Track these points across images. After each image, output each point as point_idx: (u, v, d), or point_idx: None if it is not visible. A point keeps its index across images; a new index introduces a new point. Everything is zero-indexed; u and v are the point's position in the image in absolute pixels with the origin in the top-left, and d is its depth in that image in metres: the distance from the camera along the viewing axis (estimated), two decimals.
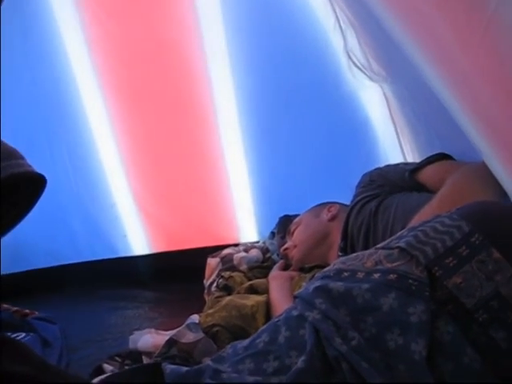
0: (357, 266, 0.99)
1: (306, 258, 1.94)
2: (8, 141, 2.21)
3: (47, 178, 2.44)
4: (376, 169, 1.87)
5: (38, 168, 2.50)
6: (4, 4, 1.35)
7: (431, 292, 0.89)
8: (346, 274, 0.98)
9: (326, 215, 2.00)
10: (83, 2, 2.22)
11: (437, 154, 1.67)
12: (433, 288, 0.89)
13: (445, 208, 1.13)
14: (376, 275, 0.94)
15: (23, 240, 2.50)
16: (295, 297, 1.06)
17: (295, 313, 0.99)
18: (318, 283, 0.99)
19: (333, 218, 1.96)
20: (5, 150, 1.05)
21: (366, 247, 1.64)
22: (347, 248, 1.76)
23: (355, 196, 1.81)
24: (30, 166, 1.11)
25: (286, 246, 2.06)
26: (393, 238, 1.04)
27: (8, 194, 1.07)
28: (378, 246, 1.04)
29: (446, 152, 1.68)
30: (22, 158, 1.10)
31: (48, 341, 1.91)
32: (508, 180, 1.08)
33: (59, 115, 2.45)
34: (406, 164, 1.87)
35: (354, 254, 1.05)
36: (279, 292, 1.76)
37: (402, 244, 0.97)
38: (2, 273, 2.43)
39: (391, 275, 0.92)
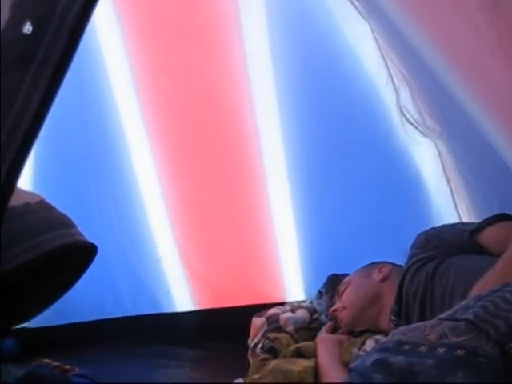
0: (419, 338, 0.91)
1: (356, 321, 1.87)
2: (57, 194, 2.26)
3: (93, 231, 2.46)
4: (432, 229, 1.79)
5: (84, 220, 2.52)
6: None
7: (505, 371, 0.80)
8: (406, 346, 0.91)
9: (377, 276, 1.93)
10: (134, 55, 2.25)
11: (498, 215, 1.59)
12: (506, 367, 0.81)
13: (510, 273, 1.05)
14: (441, 350, 0.86)
15: (68, 295, 2.51)
16: (350, 370, 0.98)
17: None
18: (376, 356, 0.91)
19: (384, 279, 1.89)
20: (57, 217, 1.05)
21: (422, 313, 1.57)
22: (401, 313, 1.68)
23: (410, 257, 1.74)
24: (81, 234, 1.11)
25: (334, 307, 1.99)
26: (458, 307, 0.96)
27: (57, 262, 1.06)
28: (442, 316, 0.96)
29: (507, 212, 1.60)
30: (73, 226, 1.10)
31: None
32: None
33: (107, 169, 2.47)
34: (464, 224, 1.79)
35: (415, 325, 0.98)
36: (328, 358, 1.69)
37: (469, 316, 0.89)
38: (44, 325, 2.44)
39: (459, 351, 0.84)
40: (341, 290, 2.00)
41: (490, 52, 1.25)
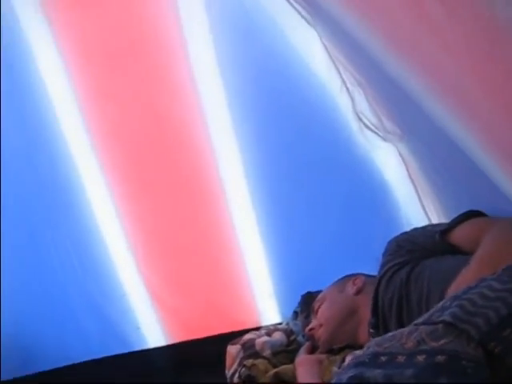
0: (395, 347, 0.83)
1: (334, 338, 1.81)
2: (11, 235, 2.18)
3: (53, 274, 2.37)
4: (402, 233, 1.74)
5: (43, 264, 2.44)
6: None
7: (491, 373, 0.73)
8: (383, 358, 0.83)
9: (351, 289, 1.87)
10: (77, 82, 2.17)
11: (468, 212, 1.55)
12: (492, 368, 0.73)
13: (485, 270, 0.99)
14: (420, 358, 0.78)
15: (31, 342, 2.49)
16: None
17: None
18: (351, 372, 0.83)
19: (358, 292, 1.83)
20: None
21: (399, 321, 1.51)
22: (379, 323, 1.61)
23: (382, 265, 1.68)
24: None
25: (311, 325, 1.92)
26: (434, 310, 0.89)
27: None
28: (418, 321, 0.88)
29: (477, 209, 1.55)
30: None
31: None
32: None
33: (61, 207, 2.38)
34: (435, 226, 1.75)
35: (390, 334, 0.90)
36: (308, 379, 1.61)
37: (446, 317, 0.81)
38: (9, 378, 2.38)
39: (439, 357, 0.76)
40: (315, 308, 1.94)
41: (444, 45, 1.21)
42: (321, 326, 1.85)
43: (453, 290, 1.17)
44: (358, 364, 0.85)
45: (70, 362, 2.50)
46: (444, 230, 1.56)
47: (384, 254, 1.73)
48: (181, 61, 2.12)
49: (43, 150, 2.28)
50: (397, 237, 1.74)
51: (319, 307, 1.91)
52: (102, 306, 2.49)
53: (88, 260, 2.45)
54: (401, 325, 1.45)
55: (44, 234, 2.40)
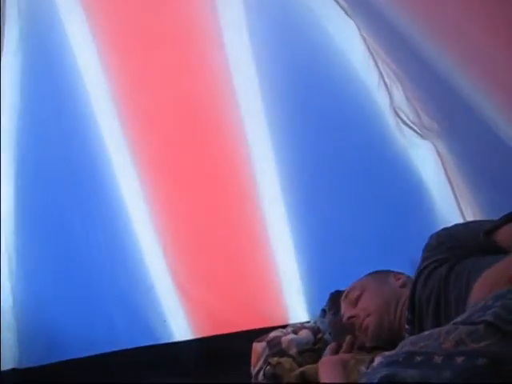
0: (432, 347, 0.78)
1: (383, 327, 1.71)
2: (43, 224, 2.20)
3: (83, 263, 2.39)
4: (443, 229, 1.68)
5: (73, 254, 2.46)
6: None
7: None
8: (418, 358, 0.78)
9: (395, 281, 1.81)
10: (112, 73, 2.19)
11: None
12: None
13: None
14: (459, 359, 0.73)
15: (60, 329, 2.49)
16: None
17: None
18: (384, 371, 0.78)
19: (404, 285, 1.76)
20: None
21: (436, 320, 1.45)
22: (415, 320, 1.55)
23: (422, 261, 1.62)
24: None
25: (350, 313, 1.82)
26: (474, 308, 0.84)
27: None
28: (457, 320, 0.83)
29: None
30: None
31: None
32: None
33: (92, 195, 2.40)
34: (478, 223, 1.69)
35: (427, 333, 0.85)
36: (329, 380, 1.56)
37: (488, 317, 0.76)
38: (36, 365, 2.42)
39: (480, 359, 0.71)
40: (353, 297, 1.85)
41: (493, 35, 1.16)
42: (368, 315, 1.76)
43: (484, 282, 1.12)
44: (390, 363, 0.80)
45: (97, 352, 2.50)
46: (489, 229, 1.49)
47: (424, 250, 1.66)
48: (216, 49, 2.11)
49: (77, 139, 2.31)
50: (437, 232, 1.67)
51: (359, 296, 1.82)
52: (130, 298, 2.49)
53: (118, 251, 2.46)
54: (437, 323, 1.40)
55: (75, 224, 2.41)
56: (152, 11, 2.07)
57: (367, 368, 1.56)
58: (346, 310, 1.85)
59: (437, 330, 0.84)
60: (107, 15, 2.08)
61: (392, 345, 1.56)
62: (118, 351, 2.51)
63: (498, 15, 1.09)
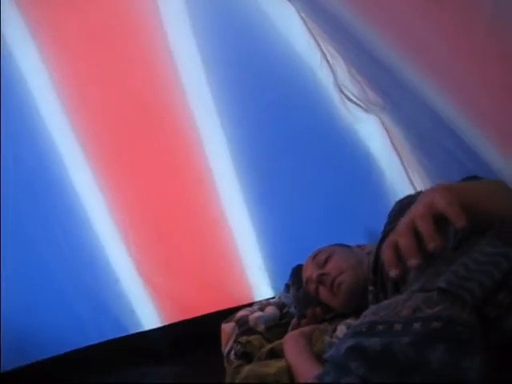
0: (391, 316, 0.85)
1: (358, 285, 1.68)
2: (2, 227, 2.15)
3: (44, 263, 2.36)
4: (407, 196, 1.73)
5: (33, 253, 2.42)
6: None
7: (487, 338, 0.74)
8: (380, 327, 0.84)
9: (361, 250, 1.84)
10: (53, 68, 2.16)
11: (469, 177, 1.54)
12: (488, 332, 0.75)
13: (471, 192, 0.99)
14: (416, 325, 0.79)
15: (28, 331, 2.48)
16: (325, 360, 0.91)
17: (328, 380, 0.84)
18: (350, 342, 0.84)
19: (369, 253, 1.79)
20: None
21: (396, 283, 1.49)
22: (377, 282, 1.60)
23: (385, 226, 1.66)
24: None
25: (322, 271, 1.78)
26: (428, 275, 0.90)
27: None
28: (413, 288, 0.90)
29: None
30: None
31: None
32: None
33: (48, 194, 2.38)
34: None
35: (386, 302, 0.91)
36: (295, 356, 1.61)
37: (441, 284, 0.83)
38: (6, 370, 2.40)
39: (435, 323, 0.77)
40: (322, 258, 1.83)
41: (418, 13, 1.22)
42: (341, 272, 1.74)
43: None
44: (355, 334, 0.86)
45: (67, 350, 2.52)
46: None
47: (387, 217, 1.71)
48: (159, 41, 2.11)
49: (27, 140, 2.27)
50: (401, 199, 1.70)
51: (329, 258, 1.81)
52: (96, 293, 2.50)
53: (78, 248, 2.45)
54: (397, 285, 1.45)
55: (33, 224, 2.39)
56: (95, 6, 2.05)
57: (330, 337, 1.62)
58: (313, 270, 1.82)
59: (394, 298, 0.90)
60: (47, 11, 2.05)
61: (356, 311, 1.64)
62: (88, 346, 2.53)
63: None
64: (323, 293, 1.80)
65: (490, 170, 1.33)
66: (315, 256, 1.87)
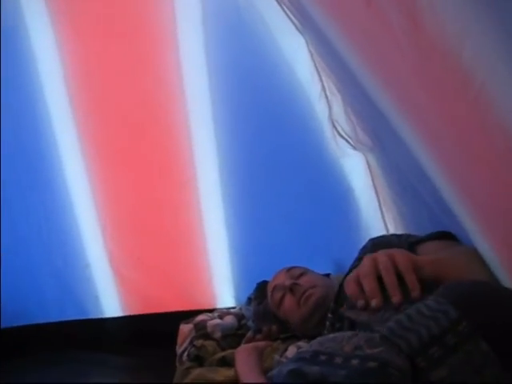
0: (335, 349, 0.92)
1: (326, 301, 1.71)
2: None
3: (20, 232, 2.40)
4: (380, 236, 1.81)
5: (11, 225, 2.44)
6: None
7: None
8: (322, 357, 0.92)
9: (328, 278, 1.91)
10: (66, 58, 2.23)
11: (442, 232, 1.62)
12: (416, 380, 0.83)
13: (439, 265, 1.09)
14: (355, 361, 0.87)
15: None
16: (268, 378, 0.99)
17: None
18: (292, 366, 0.92)
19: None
20: None
21: None
22: (336, 313, 1.64)
23: (355, 260, 1.74)
24: None
25: (295, 281, 1.84)
26: (375, 318, 0.98)
27: None
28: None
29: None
30: None
31: None
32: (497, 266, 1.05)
33: (36, 171, 2.43)
34: (410, 236, 1.82)
35: (332, 335, 0.99)
36: (245, 367, 1.65)
37: (384, 331, 0.91)
38: None
39: (371, 362, 0.86)
40: (296, 272, 1.89)
41: (413, 72, 1.29)
42: (313, 286, 1.79)
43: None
44: (299, 359, 0.94)
45: (26, 323, 2.56)
46: (415, 242, 1.63)
47: (359, 252, 1.78)
48: (170, 48, 2.17)
49: (26, 118, 2.33)
50: (374, 238, 1.76)
51: (303, 274, 1.88)
52: (65, 274, 2.54)
53: (56, 227, 2.50)
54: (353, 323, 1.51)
55: (16, 198, 2.44)
56: (112, 7, 2.12)
57: (280, 356, 1.69)
58: (286, 279, 1.87)
59: (341, 333, 0.98)
60: (67, 4, 2.11)
61: (310, 335, 1.70)
62: (48, 323, 2.57)
63: (427, 59, 1.22)
64: (288, 302, 1.83)
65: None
66: (290, 269, 1.92)
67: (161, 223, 2.49)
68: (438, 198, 1.45)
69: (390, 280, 1.09)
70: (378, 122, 1.75)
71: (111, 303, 2.62)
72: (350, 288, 1.15)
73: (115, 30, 2.18)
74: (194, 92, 2.24)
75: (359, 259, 1.69)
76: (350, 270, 1.65)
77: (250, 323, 2.19)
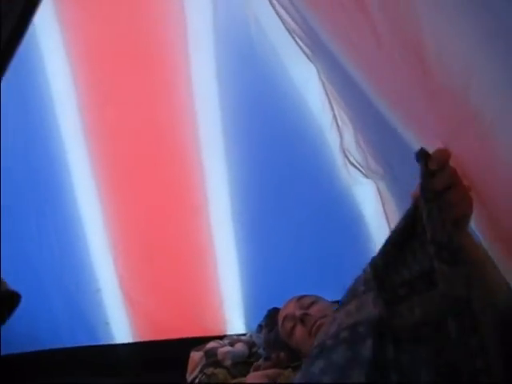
0: None
1: None
2: None
3: (32, 256, 2.39)
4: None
5: (23, 248, 2.43)
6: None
7: None
8: None
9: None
10: (80, 81, 2.25)
11: None
12: None
13: None
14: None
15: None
16: None
17: None
18: None
19: None
20: None
21: None
22: None
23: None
24: (4, 283, 1.09)
25: (306, 312, 1.85)
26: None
27: None
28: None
29: None
30: None
31: None
32: None
33: (49, 195, 2.44)
34: None
35: None
36: None
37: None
38: None
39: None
40: (307, 302, 1.92)
41: (425, 108, 1.29)
42: (325, 316, 1.80)
43: None
44: None
45: (37, 348, 2.56)
46: None
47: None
48: (183, 74, 2.19)
49: (39, 138, 2.34)
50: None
51: (313, 303, 1.90)
52: (75, 298, 2.54)
53: (68, 251, 2.50)
54: None
55: (29, 220, 2.45)
56: (126, 32, 2.14)
57: None
58: (296, 309, 1.88)
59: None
60: (81, 29, 2.14)
61: None
62: (59, 348, 2.56)
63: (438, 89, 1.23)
64: (299, 333, 1.85)
65: None
66: (300, 298, 1.94)
67: (172, 248, 2.50)
68: None
69: None
70: (389, 149, 1.76)
71: (121, 328, 2.62)
72: None
73: (129, 56, 2.20)
74: (205, 119, 2.26)
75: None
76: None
77: (260, 351, 2.20)
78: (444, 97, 1.06)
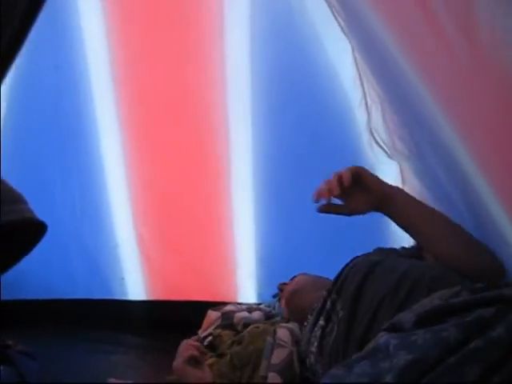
0: None
1: (298, 296, 1.87)
2: (21, 169, 2.22)
3: (53, 210, 2.42)
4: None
5: (45, 198, 2.45)
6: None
7: None
8: None
9: None
10: (114, 41, 2.29)
11: None
12: None
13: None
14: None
15: (20, 267, 2.50)
16: None
17: None
18: None
19: None
20: (8, 193, 1.05)
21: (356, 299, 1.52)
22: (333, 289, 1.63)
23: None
24: (30, 211, 1.11)
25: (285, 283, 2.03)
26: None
27: (6, 236, 1.06)
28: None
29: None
30: (24, 202, 1.09)
31: (25, 376, 1.85)
32: None
33: (75, 150, 2.49)
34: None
35: None
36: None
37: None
38: None
39: None
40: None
41: (466, 77, 1.28)
42: (296, 283, 1.92)
43: None
44: None
45: (52, 297, 2.62)
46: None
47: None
48: (216, 37, 2.21)
49: (69, 95, 2.39)
50: (383, 248, 1.85)
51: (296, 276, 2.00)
52: (93, 252, 2.60)
53: (89, 205, 2.55)
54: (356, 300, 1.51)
55: (53, 175, 2.51)
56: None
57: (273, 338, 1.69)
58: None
59: None
60: None
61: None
62: (74, 299, 2.62)
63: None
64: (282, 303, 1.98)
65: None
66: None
67: (191, 212, 2.52)
68: (478, 213, 1.45)
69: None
70: (418, 130, 1.75)
71: (136, 285, 2.67)
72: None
73: (164, 19, 2.22)
74: (235, 84, 2.27)
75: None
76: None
77: (278, 319, 2.20)
78: (491, 69, 1.05)
